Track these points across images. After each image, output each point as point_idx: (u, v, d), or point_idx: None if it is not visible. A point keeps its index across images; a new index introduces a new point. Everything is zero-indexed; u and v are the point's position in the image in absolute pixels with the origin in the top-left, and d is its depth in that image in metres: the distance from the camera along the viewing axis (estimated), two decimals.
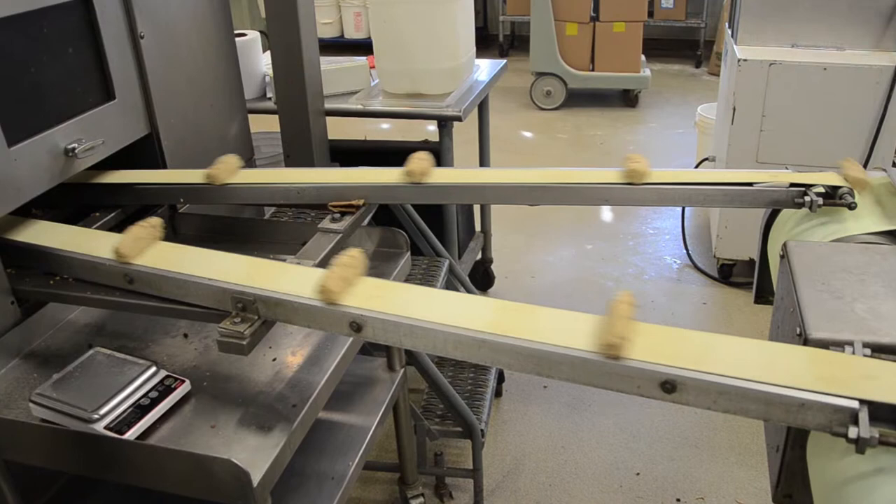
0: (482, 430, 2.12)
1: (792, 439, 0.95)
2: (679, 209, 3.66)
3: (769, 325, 1.15)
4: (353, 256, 1.09)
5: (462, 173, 1.47)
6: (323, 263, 1.28)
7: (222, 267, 1.14)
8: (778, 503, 1.00)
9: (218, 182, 1.44)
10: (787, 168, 1.34)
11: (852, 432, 0.76)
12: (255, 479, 0.99)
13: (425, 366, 1.89)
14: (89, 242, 1.27)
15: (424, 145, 2.65)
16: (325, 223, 1.37)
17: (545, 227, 3.83)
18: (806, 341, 0.89)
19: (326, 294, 1.02)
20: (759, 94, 2.78)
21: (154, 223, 1.25)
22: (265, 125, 2.50)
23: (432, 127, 2.59)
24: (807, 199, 1.23)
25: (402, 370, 1.65)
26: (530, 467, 2.34)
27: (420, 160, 1.42)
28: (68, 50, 1.33)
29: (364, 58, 2.61)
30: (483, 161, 2.94)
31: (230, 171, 1.46)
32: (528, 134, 5.20)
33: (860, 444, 0.76)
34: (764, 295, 1.37)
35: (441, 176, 1.46)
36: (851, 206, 1.20)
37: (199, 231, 1.59)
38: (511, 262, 3.49)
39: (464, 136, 2.85)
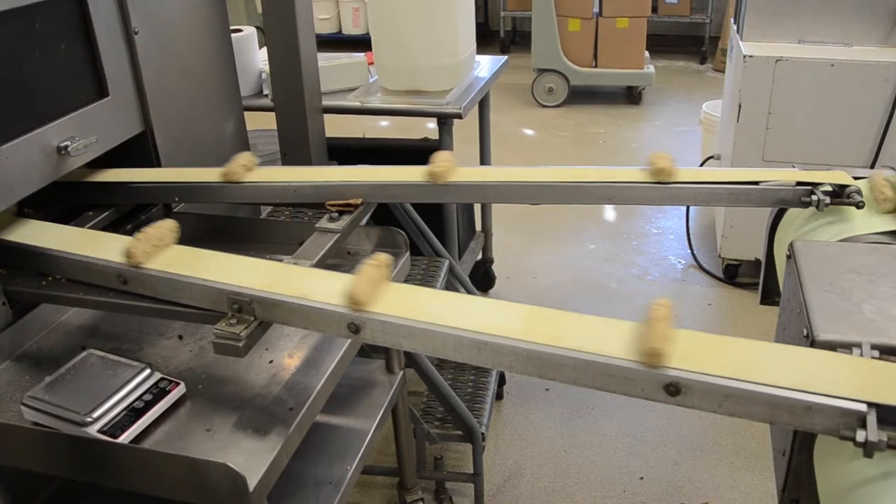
0: (483, 434, 2.12)
1: (799, 443, 0.95)
2: (683, 208, 3.66)
3: (775, 326, 1.15)
4: (664, 305, 0.93)
5: (462, 172, 1.46)
6: (320, 263, 1.28)
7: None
8: None
9: (234, 179, 1.42)
10: (793, 166, 1.34)
11: (860, 436, 0.76)
12: (252, 483, 0.99)
13: (425, 368, 1.89)
14: (93, 244, 1.25)
15: (424, 143, 2.65)
16: (323, 222, 1.37)
17: (547, 227, 3.83)
18: (813, 343, 0.88)
19: (653, 358, 0.87)
20: (765, 91, 2.78)
21: (384, 261, 1.09)
22: (262, 123, 2.50)
23: (432, 124, 2.59)
24: (814, 197, 1.23)
25: (402, 372, 1.65)
26: (532, 471, 2.34)
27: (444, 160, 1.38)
28: (61, 46, 1.33)
29: (362, 54, 2.61)
30: (484, 159, 2.94)
31: (248, 168, 1.44)
32: (529, 131, 5.20)
33: (868, 448, 0.76)
34: (770, 296, 1.37)
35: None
36: (859, 205, 1.20)
37: (195, 231, 1.59)
38: (512, 262, 3.49)
39: (464, 134, 2.85)
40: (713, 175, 1.34)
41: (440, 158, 1.40)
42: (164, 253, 1.20)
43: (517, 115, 5.44)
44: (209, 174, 1.50)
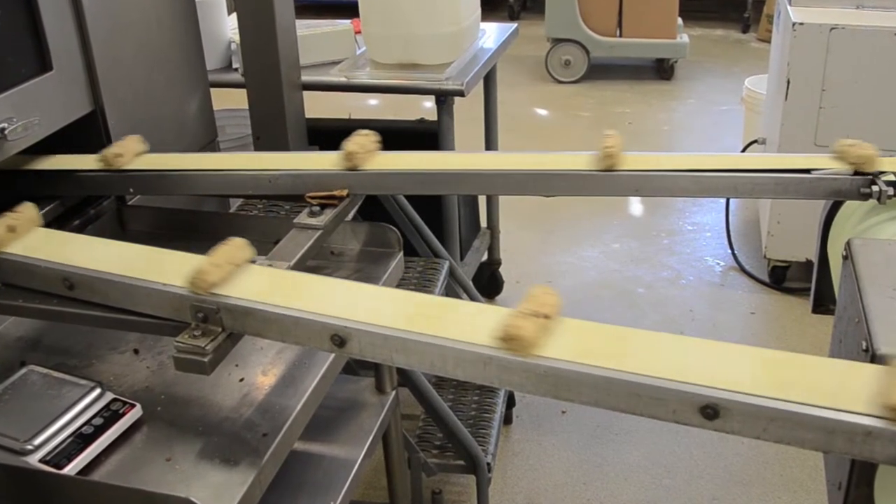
0: (488, 464, 2.12)
1: (857, 475, 0.95)
2: (723, 201, 3.66)
3: (829, 338, 1.15)
4: None
5: (465, 158, 1.46)
6: (299, 265, 1.27)
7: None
8: None
9: (355, 165, 1.39)
10: None
11: None
12: None
13: (421, 387, 1.89)
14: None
15: (420, 125, 2.65)
16: (302, 217, 1.37)
17: (563, 223, 3.84)
18: (873, 358, 0.88)
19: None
20: (817, 64, 2.78)
21: (548, 293, 1.01)
22: (230, 101, 2.51)
23: (429, 103, 2.60)
24: (875, 188, 1.23)
25: (394, 392, 1.65)
26: None
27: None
28: None
29: (348, 21, 2.61)
30: (490, 144, 2.94)
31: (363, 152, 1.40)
32: (542, 112, 5.21)
33: None
34: (824, 303, 1.37)
35: (440, 162, 1.46)
36: None
37: (152, 227, 1.59)
38: (523, 263, 3.50)
39: (467, 115, 2.85)
40: (757, 162, 1.34)
41: (612, 141, 1.33)
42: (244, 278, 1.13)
43: (528, 92, 5.45)
44: (172, 161, 1.50)
